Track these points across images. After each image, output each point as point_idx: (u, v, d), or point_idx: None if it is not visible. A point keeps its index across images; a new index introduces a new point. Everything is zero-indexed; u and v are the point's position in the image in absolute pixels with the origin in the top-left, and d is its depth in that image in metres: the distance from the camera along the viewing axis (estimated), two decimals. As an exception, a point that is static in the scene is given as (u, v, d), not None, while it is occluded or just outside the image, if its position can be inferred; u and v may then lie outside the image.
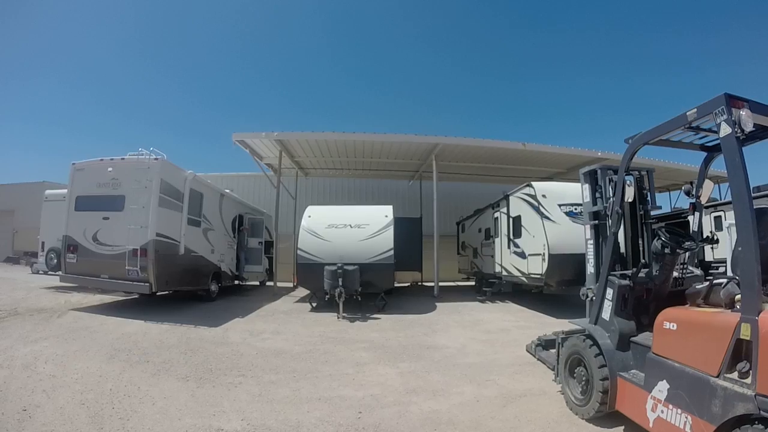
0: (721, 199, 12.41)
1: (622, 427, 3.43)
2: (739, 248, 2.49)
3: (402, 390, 4.46)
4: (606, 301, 3.73)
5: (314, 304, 10.03)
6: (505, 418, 3.75)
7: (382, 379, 4.81)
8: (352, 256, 9.55)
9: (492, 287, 11.98)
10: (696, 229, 3.79)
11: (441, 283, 13.25)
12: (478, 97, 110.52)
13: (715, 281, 2.94)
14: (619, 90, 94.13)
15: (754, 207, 2.44)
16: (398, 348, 6.30)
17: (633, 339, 3.47)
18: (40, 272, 12.99)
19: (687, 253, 3.66)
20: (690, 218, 3.91)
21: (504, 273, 11.18)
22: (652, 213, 4.47)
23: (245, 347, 6.11)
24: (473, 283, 15.42)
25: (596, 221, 4.29)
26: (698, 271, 3.94)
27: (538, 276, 9.04)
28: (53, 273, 11.32)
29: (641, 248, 4.23)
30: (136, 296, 9.74)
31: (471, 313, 9.54)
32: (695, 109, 2.83)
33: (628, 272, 3.79)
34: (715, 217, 11.04)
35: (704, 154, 3.74)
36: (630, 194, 3.63)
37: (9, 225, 22.59)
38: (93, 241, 8.23)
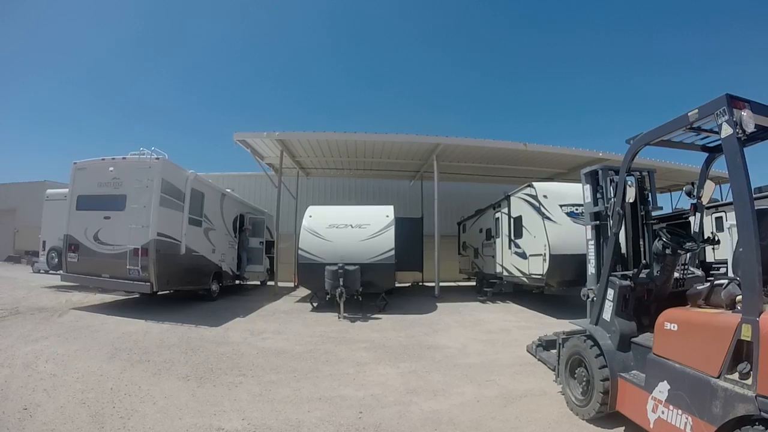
0: (722, 200, 12.40)
1: (623, 428, 3.43)
2: (740, 249, 2.48)
3: (402, 390, 4.47)
4: (607, 301, 3.72)
5: (315, 304, 10.03)
6: (505, 418, 3.75)
7: (383, 379, 4.81)
8: (353, 256, 9.55)
9: (493, 287, 11.96)
10: (697, 230, 3.79)
11: (442, 284, 13.25)
12: (479, 97, 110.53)
13: (716, 282, 2.94)
14: (620, 90, 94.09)
15: (755, 208, 2.43)
16: (399, 348, 6.30)
17: (634, 340, 3.47)
18: (41, 271, 13.04)
19: (688, 254, 3.66)
20: (691, 219, 3.91)
21: (505, 273, 11.17)
22: (653, 214, 4.47)
23: (246, 347, 6.12)
24: (474, 284, 15.40)
25: (597, 222, 4.28)
26: (699, 272, 3.94)
27: (539, 276, 9.03)
28: (54, 272, 11.35)
29: (642, 249, 4.22)
30: (137, 296, 9.75)
31: (472, 314, 9.54)
32: (696, 110, 2.83)
33: (629, 273, 3.79)
34: (716, 218, 11.01)
35: (705, 154, 3.74)
36: (631, 195, 3.63)
37: (10, 224, 22.64)
38: (94, 240, 8.24)
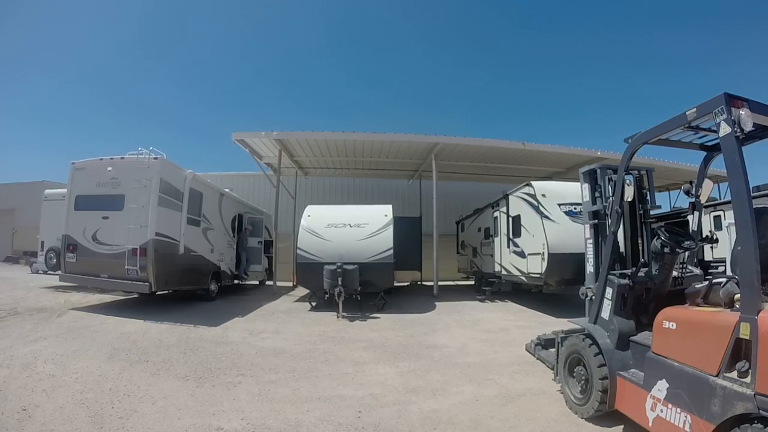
0: (720, 199, 12.43)
1: (622, 427, 3.44)
2: (739, 248, 2.49)
3: (402, 389, 4.47)
4: (605, 300, 3.73)
5: (314, 304, 10.03)
6: (504, 417, 3.76)
7: (382, 379, 4.81)
8: (352, 256, 9.55)
9: (491, 286, 11.99)
10: (695, 229, 3.79)
11: (440, 283, 13.25)
12: (478, 97, 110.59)
13: (714, 280, 2.95)
14: (619, 90, 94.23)
15: (754, 207, 2.44)
16: (398, 347, 6.30)
17: (632, 338, 3.47)
18: (40, 272, 13.01)
19: (686, 253, 3.66)
20: (689, 218, 3.91)
21: (503, 272, 11.18)
22: (652, 212, 4.48)
23: (245, 347, 6.11)
24: (473, 283, 15.43)
25: (596, 220, 4.29)
26: (698, 271, 3.95)
27: (538, 275, 9.04)
28: (53, 272, 11.32)
29: (641, 247, 4.23)
30: (136, 296, 9.73)
31: (470, 313, 9.55)
32: (695, 109, 2.83)
33: (628, 271, 3.80)
34: (714, 217, 11.05)
35: (704, 153, 3.74)
36: (629, 193, 3.63)
37: (8, 224, 22.60)
38: (92, 240, 8.23)
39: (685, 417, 2.60)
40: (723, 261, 9.09)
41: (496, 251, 11.75)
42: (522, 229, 10.00)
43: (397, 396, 4.27)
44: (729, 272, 3.39)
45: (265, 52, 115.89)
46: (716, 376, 2.45)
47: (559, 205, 9.11)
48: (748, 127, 2.48)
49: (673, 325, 2.87)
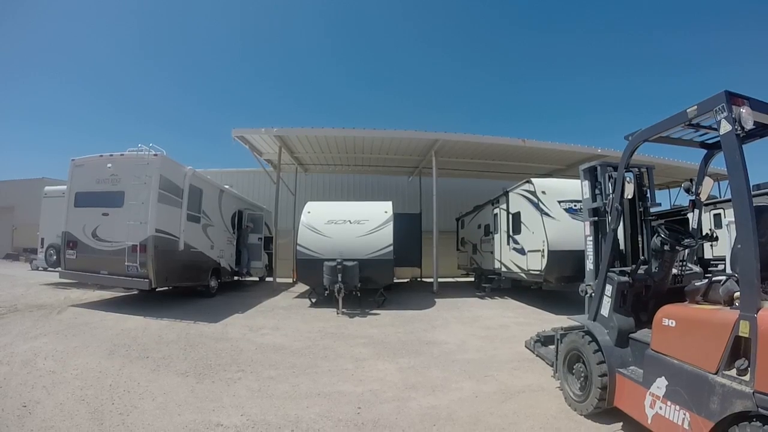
0: (720, 197, 12.42)
1: (621, 423, 3.44)
2: (739, 246, 2.49)
3: (401, 385, 4.48)
4: (605, 297, 3.73)
5: (314, 300, 10.04)
6: (503, 413, 3.77)
7: (382, 375, 4.82)
8: (352, 252, 9.55)
9: (491, 283, 12.00)
10: (695, 227, 3.79)
11: (440, 279, 13.26)
12: (478, 96, 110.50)
13: (714, 278, 2.95)
14: (619, 89, 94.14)
15: (754, 205, 2.43)
16: (397, 344, 6.31)
17: (632, 335, 3.48)
18: (40, 269, 13.01)
19: (686, 250, 3.67)
20: (689, 215, 3.91)
21: (503, 269, 11.19)
22: (652, 210, 4.47)
23: (245, 343, 6.12)
24: (472, 279, 15.44)
25: (596, 218, 4.29)
26: (697, 269, 3.95)
27: (538, 272, 9.05)
28: (53, 269, 11.32)
29: (640, 245, 4.23)
30: (136, 292, 9.74)
31: (470, 309, 9.56)
32: (696, 106, 2.82)
33: (628, 269, 3.80)
34: (714, 215, 11.04)
35: (704, 151, 3.74)
36: (630, 191, 3.62)
37: (8, 221, 22.61)
38: (92, 237, 8.23)
39: (684, 414, 2.61)
40: (723, 259, 9.09)
41: (496, 248, 11.76)
42: (522, 226, 10.00)
43: (396, 392, 4.28)
44: (729, 270, 3.39)
45: (266, 52, 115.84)
46: (715, 373, 2.45)
47: (559, 202, 9.10)
48: (749, 125, 2.47)
49: (672, 323, 2.87)
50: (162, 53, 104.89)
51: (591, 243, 4.31)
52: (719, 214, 10.82)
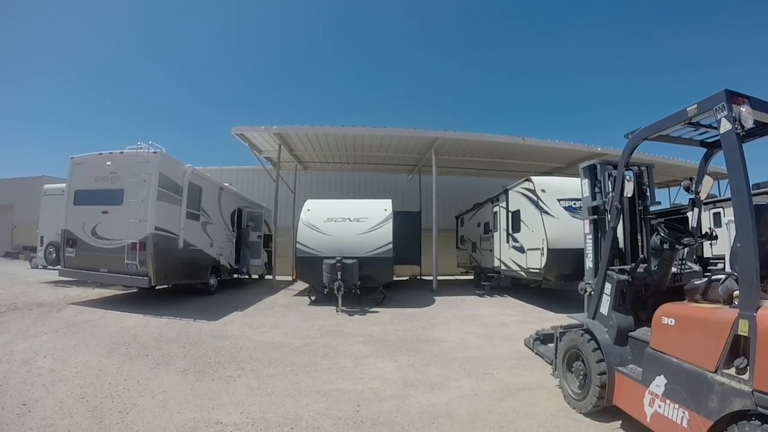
0: (720, 196, 12.42)
1: (620, 422, 3.45)
2: (738, 245, 2.49)
3: (400, 383, 4.48)
4: (604, 296, 3.73)
5: (313, 298, 10.05)
6: (503, 411, 3.77)
7: (381, 373, 4.83)
8: (351, 250, 9.55)
9: (491, 281, 12.01)
10: (695, 225, 3.79)
11: (440, 277, 13.26)
12: (477, 94, 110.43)
13: (713, 277, 2.95)
14: (619, 88, 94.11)
15: (753, 204, 2.43)
16: (397, 342, 6.32)
17: (631, 334, 3.48)
18: (39, 267, 13.01)
19: (686, 249, 3.67)
20: (689, 214, 3.91)
21: (503, 267, 11.20)
22: (651, 208, 4.47)
23: (244, 341, 6.13)
24: (472, 278, 15.44)
25: (595, 216, 4.29)
26: (697, 267, 3.95)
27: (537, 270, 9.06)
28: (52, 267, 11.31)
29: (640, 243, 4.23)
30: (135, 290, 9.74)
31: (469, 308, 9.57)
32: (695, 105, 2.82)
33: (627, 267, 3.80)
34: (714, 214, 11.05)
35: (704, 150, 3.74)
36: (629, 189, 3.62)
37: (8, 220, 22.59)
38: (92, 235, 8.22)
39: (683, 413, 2.61)
40: (722, 258, 9.10)
41: (496, 246, 11.76)
42: (521, 224, 10.00)
43: (395, 390, 4.29)
44: (728, 269, 3.39)
45: (266, 50, 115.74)
46: (714, 372, 2.45)
47: (559, 200, 9.10)
48: (749, 124, 2.47)
49: (671, 321, 2.88)
50: (161, 51, 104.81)
51: (590, 241, 4.31)
52: (719, 212, 10.83)
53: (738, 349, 2.37)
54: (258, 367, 4.92)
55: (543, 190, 9.30)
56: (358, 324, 7.63)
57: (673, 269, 3.71)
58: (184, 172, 9.14)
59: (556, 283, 9.02)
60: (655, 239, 3.50)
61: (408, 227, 13.21)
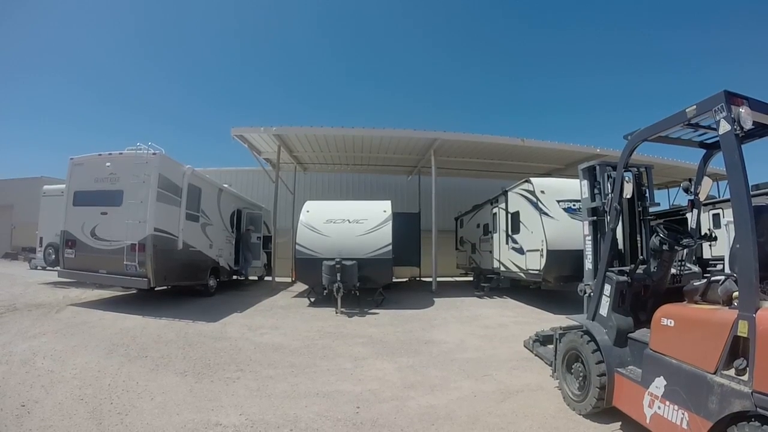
0: (719, 197, 12.44)
1: (619, 423, 3.45)
2: (737, 246, 2.49)
3: (400, 385, 4.48)
4: (604, 297, 3.73)
5: (312, 299, 10.04)
6: (502, 413, 3.77)
7: (380, 374, 4.82)
8: (351, 251, 9.55)
9: (490, 283, 12.01)
10: (694, 226, 3.79)
11: (439, 279, 13.26)
12: (477, 93, 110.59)
13: (712, 278, 2.95)
14: (619, 87, 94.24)
15: (753, 205, 2.44)
16: (396, 343, 6.31)
17: (630, 335, 3.48)
18: (39, 268, 12.98)
19: (685, 250, 3.67)
20: (688, 215, 3.91)
21: (502, 269, 11.19)
22: (651, 210, 4.47)
23: (243, 342, 6.12)
24: (471, 279, 15.44)
25: (594, 217, 4.30)
26: (696, 268, 3.96)
27: (536, 272, 9.05)
28: (51, 268, 11.30)
29: (639, 245, 4.23)
30: (135, 291, 9.72)
31: (469, 309, 9.56)
32: (695, 106, 2.82)
33: (626, 269, 3.80)
34: (713, 215, 11.06)
35: (703, 151, 3.74)
36: (628, 191, 3.62)
37: (7, 220, 22.55)
38: (91, 236, 8.21)
39: (683, 414, 2.61)
40: (721, 259, 9.11)
41: (495, 247, 11.76)
42: (521, 225, 10.01)
43: (395, 391, 4.28)
44: (727, 270, 3.40)
45: (265, 49, 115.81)
46: (714, 373, 2.45)
47: (558, 201, 9.11)
48: (748, 125, 2.47)
49: (671, 323, 2.88)
50: (161, 51, 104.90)
51: (590, 242, 4.32)
52: (718, 214, 10.84)
53: (737, 350, 2.37)
54: (257, 369, 4.91)
55: (542, 192, 9.30)
56: (357, 325, 7.62)
57: (673, 270, 3.72)
58: (183, 174, 9.14)
59: (555, 284, 9.02)
60: (655, 240, 3.51)
61: (407, 228, 13.21)
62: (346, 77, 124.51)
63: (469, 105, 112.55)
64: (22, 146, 78.14)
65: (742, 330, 2.31)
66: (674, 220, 6.44)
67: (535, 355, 4.89)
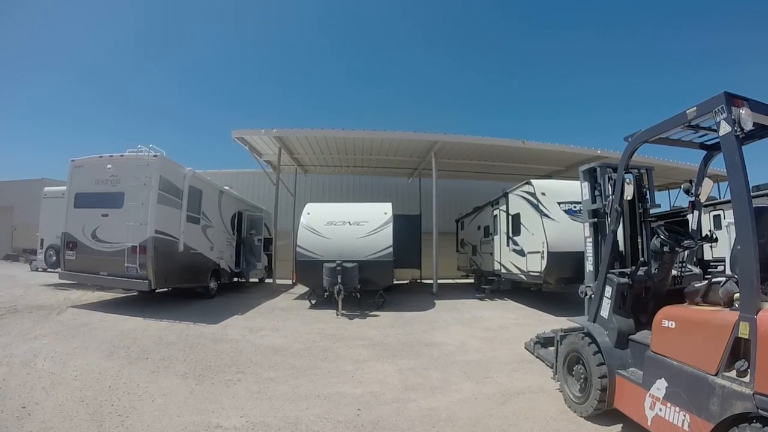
0: (720, 198, 12.43)
1: (621, 425, 3.44)
2: (738, 247, 2.49)
3: (401, 387, 4.47)
4: (605, 299, 3.73)
5: (313, 301, 10.03)
6: (503, 415, 3.76)
7: (381, 377, 4.82)
8: (351, 253, 9.55)
9: (491, 285, 12.00)
10: (695, 228, 3.79)
11: (440, 281, 13.26)
12: (477, 94, 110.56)
13: (713, 280, 2.95)
14: (619, 88, 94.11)
15: (753, 206, 2.43)
16: (397, 345, 6.31)
17: (631, 337, 3.48)
18: (39, 269, 13.00)
19: (686, 252, 3.67)
20: (689, 217, 3.91)
21: (503, 271, 11.19)
22: (651, 211, 4.47)
23: (244, 344, 6.12)
24: (472, 281, 15.43)
25: (595, 219, 4.29)
26: (697, 270, 3.95)
27: (537, 274, 9.05)
28: (52, 270, 11.31)
29: (640, 246, 4.23)
30: (135, 293, 9.73)
31: (470, 311, 9.55)
32: (695, 108, 2.83)
33: (627, 270, 3.79)
34: (714, 216, 11.05)
35: (704, 152, 3.74)
36: (629, 192, 3.62)
37: (8, 222, 22.57)
38: (92, 238, 8.22)
39: (684, 416, 2.60)
40: (722, 260, 9.10)
41: (496, 249, 11.75)
42: (521, 227, 10.00)
43: (396, 394, 4.28)
44: (728, 271, 3.39)
45: (266, 50, 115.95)
46: (715, 375, 2.45)
47: (559, 203, 9.11)
48: (748, 126, 2.48)
49: (672, 324, 2.87)
50: (161, 51, 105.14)
51: (590, 244, 4.32)
52: (719, 215, 10.82)
53: (739, 351, 2.36)
54: (258, 371, 4.91)
55: (543, 194, 9.30)
56: (358, 327, 7.62)
57: (674, 272, 3.71)
58: (184, 176, 9.16)
59: (556, 286, 9.00)
60: (656, 242, 3.50)
61: (408, 231, 13.19)
62: (346, 78, 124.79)
63: (469, 105, 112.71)
64: (23, 147, 78.18)
65: (743, 331, 2.30)
66: (675, 222, 6.44)
67: (536, 357, 4.88)
